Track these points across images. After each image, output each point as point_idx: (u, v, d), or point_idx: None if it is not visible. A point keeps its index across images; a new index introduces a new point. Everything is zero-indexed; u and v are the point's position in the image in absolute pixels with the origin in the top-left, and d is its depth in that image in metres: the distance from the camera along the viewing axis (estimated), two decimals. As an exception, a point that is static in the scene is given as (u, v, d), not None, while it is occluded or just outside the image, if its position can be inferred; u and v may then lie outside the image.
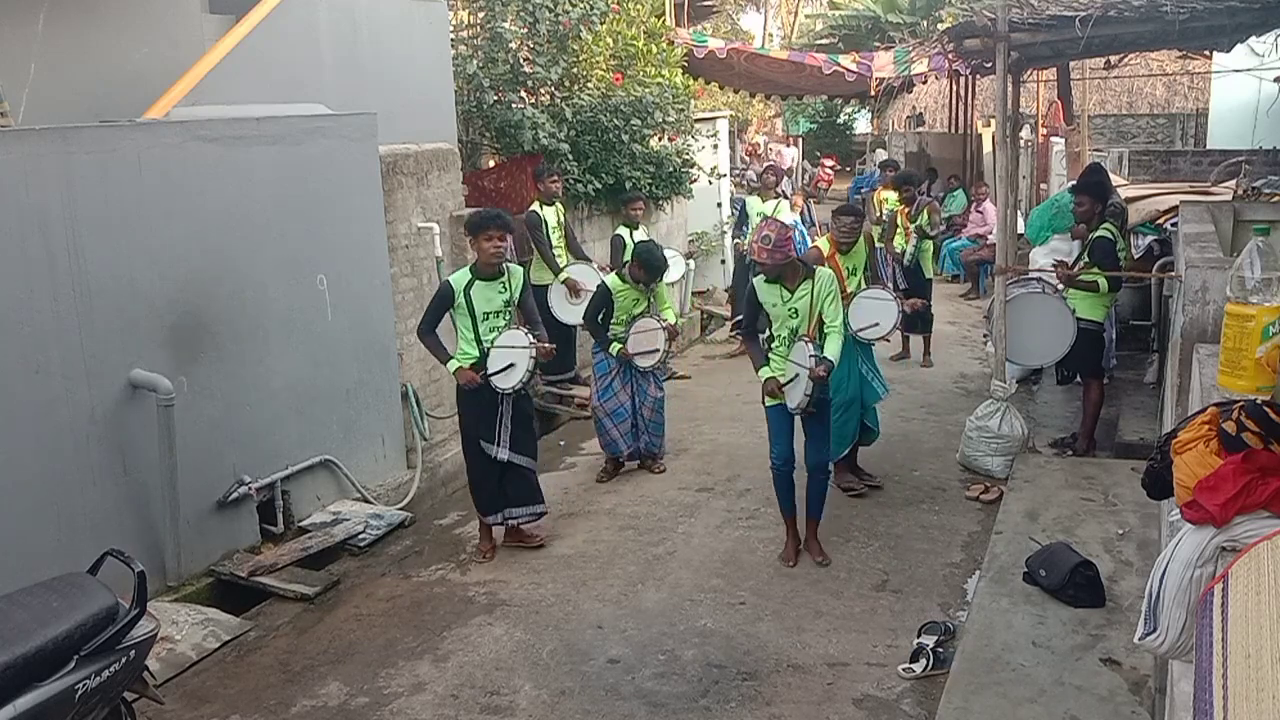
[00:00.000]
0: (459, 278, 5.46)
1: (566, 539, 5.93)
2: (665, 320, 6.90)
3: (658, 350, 6.80)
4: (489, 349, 5.43)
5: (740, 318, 9.69)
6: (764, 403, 5.44)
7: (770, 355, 5.37)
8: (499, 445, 5.56)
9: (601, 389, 6.83)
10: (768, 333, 5.44)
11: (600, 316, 6.77)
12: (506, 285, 5.48)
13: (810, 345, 5.12)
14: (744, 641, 4.71)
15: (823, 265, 6.12)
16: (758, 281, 5.31)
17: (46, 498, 4.58)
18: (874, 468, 6.78)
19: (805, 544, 5.51)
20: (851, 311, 6.17)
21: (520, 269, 5.62)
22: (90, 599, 3.45)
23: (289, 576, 5.39)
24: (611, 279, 6.82)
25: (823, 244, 6.42)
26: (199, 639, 4.79)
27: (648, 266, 6.67)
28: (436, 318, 5.53)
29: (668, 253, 9.25)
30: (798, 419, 5.33)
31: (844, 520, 6.01)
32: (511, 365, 5.40)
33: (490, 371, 5.40)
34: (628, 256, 8.62)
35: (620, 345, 6.68)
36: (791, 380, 5.22)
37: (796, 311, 5.22)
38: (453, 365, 5.46)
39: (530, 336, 5.44)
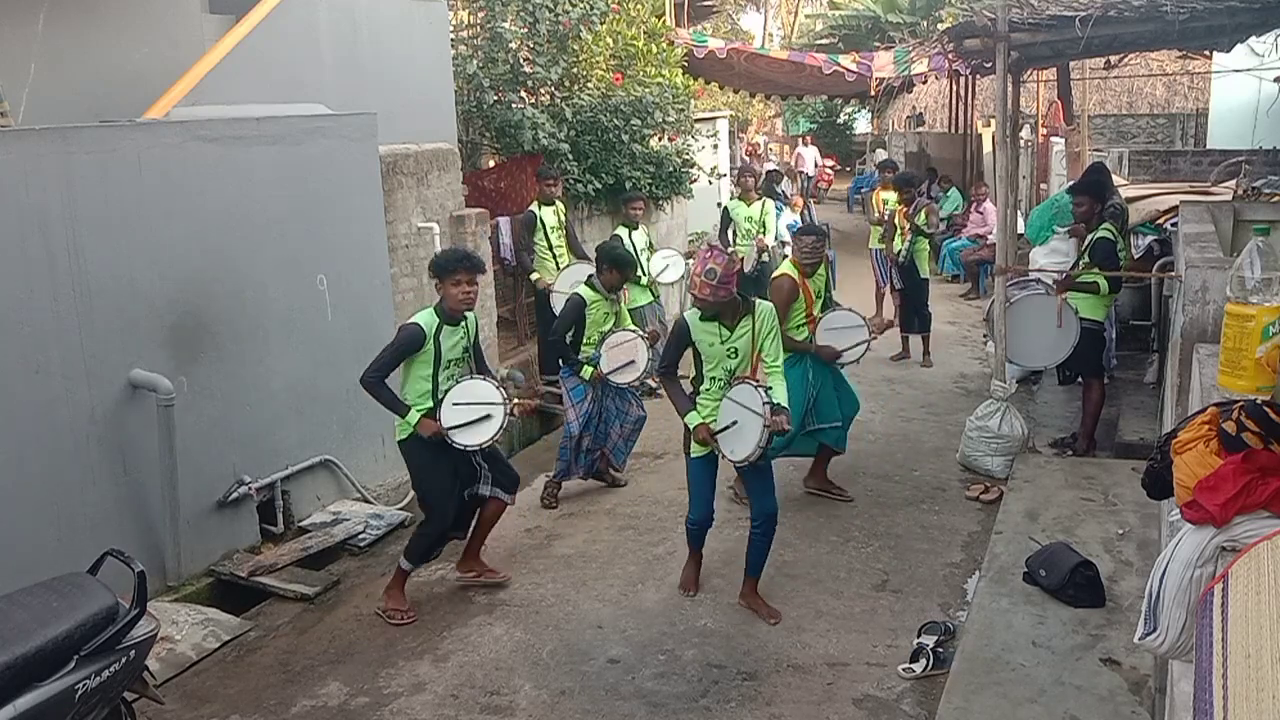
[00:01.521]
0: (427, 320, 4.85)
1: (566, 539, 5.93)
2: (637, 331, 6.45)
3: (634, 362, 6.26)
4: (442, 399, 4.88)
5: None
6: (687, 453, 4.86)
7: (699, 399, 4.79)
8: (481, 483, 5.06)
9: (581, 415, 6.25)
10: (696, 373, 4.85)
11: (570, 336, 6.25)
12: (467, 329, 4.98)
13: (760, 390, 4.54)
14: (744, 641, 4.71)
15: (795, 297, 5.89)
16: (691, 318, 4.71)
17: (46, 498, 4.58)
18: (874, 468, 6.78)
19: (745, 598, 4.99)
20: (822, 336, 6.03)
21: (473, 313, 5.07)
22: (90, 599, 3.45)
23: (289, 576, 5.39)
24: (584, 290, 6.25)
25: (788, 268, 6.02)
26: (199, 639, 4.79)
27: (621, 264, 6.19)
28: (395, 364, 4.87)
29: (667, 252, 9.30)
30: (724, 469, 4.80)
31: (844, 520, 6.01)
32: (482, 420, 4.86)
33: (450, 425, 4.84)
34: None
35: (592, 368, 6.15)
36: (729, 427, 4.62)
37: (736, 351, 4.69)
38: (414, 416, 4.82)
39: (502, 391, 4.93)
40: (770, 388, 4.65)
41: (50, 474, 4.60)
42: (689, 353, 4.84)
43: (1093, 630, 4.29)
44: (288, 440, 5.83)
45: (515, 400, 5.01)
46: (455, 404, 4.89)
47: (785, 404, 4.62)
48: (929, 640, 4.47)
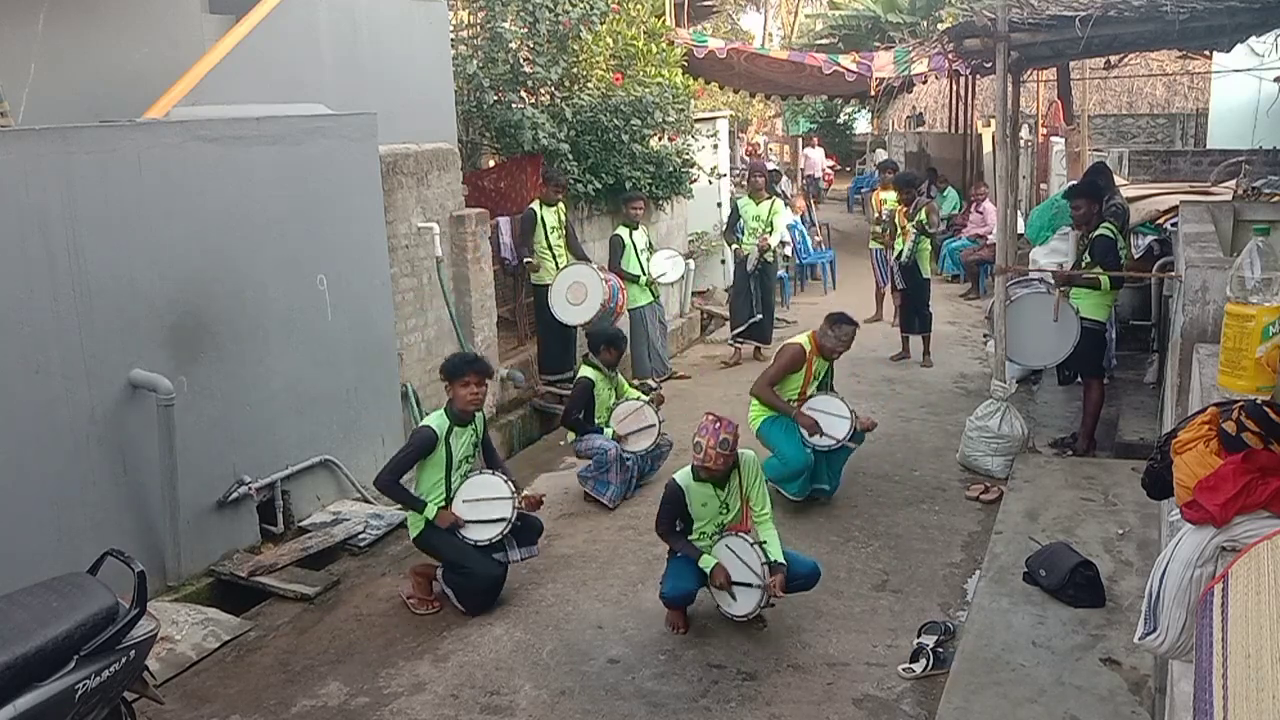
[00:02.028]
0: (440, 424, 4.96)
1: (566, 539, 5.93)
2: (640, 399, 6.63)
3: (652, 426, 6.45)
4: (454, 497, 5.03)
5: (738, 330, 9.73)
6: (670, 555, 4.84)
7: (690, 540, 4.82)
8: (511, 549, 5.12)
9: (608, 440, 6.37)
10: (682, 525, 4.85)
11: (581, 414, 6.42)
12: (475, 428, 5.10)
13: (757, 549, 4.60)
14: (744, 641, 4.71)
15: (798, 368, 5.99)
16: (685, 484, 4.73)
17: (46, 498, 4.58)
18: (874, 468, 6.78)
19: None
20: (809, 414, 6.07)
21: (481, 412, 5.17)
22: (90, 599, 3.45)
23: (289, 576, 5.39)
24: (588, 371, 6.47)
25: (803, 341, 6.13)
26: (199, 639, 4.79)
27: (615, 341, 6.53)
28: (409, 467, 5.00)
29: (667, 253, 9.31)
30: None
31: (844, 520, 6.01)
32: (493, 514, 4.98)
33: (464, 519, 5.00)
34: (627, 257, 8.66)
35: (611, 428, 6.40)
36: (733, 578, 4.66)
37: (728, 507, 4.77)
38: (431, 510, 4.94)
39: (510, 485, 5.05)
40: (765, 542, 4.68)
41: (50, 474, 4.60)
42: None
43: (1093, 630, 4.29)
44: (288, 440, 5.83)
45: (524, 494, 5.17)
46: (466, 500, 5.04)
47: (782, 560, 4.66)
48: (929, 640, 4.47)
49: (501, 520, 4.99)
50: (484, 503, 5.02)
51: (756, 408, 6.23)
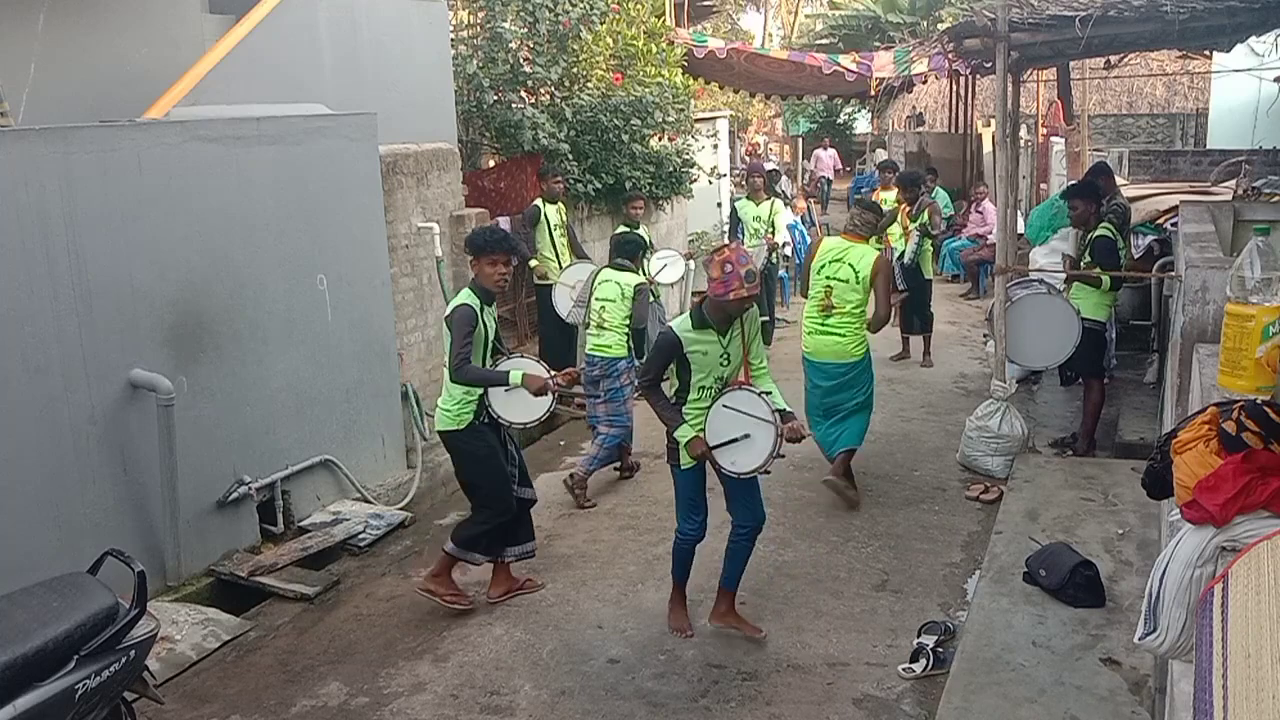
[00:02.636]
0: (473, 302, 4.75)
1: (566, 539, 5.93)
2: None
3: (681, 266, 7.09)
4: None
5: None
6: (676, 464, 4.59)
7: (687, 409, 4.50)
8: (518, 485, 5.05)
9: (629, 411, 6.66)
10: (679, 385, 4.54)
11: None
12: (494, 307, 4.98)
13: (764, 398, 4.38)
14: (744, 641, 4.71)
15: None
16: (681, 330, 4.41)
17: (46, 498, 4.58)
18: (874, 468, 6.78)
19: (722, 618, 4.75)
20: None
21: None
22: (90, 599, 3.45)
23: (289, 576, 5.39)
24: (639, 279, 6.61)
25: (874, 245, 6.18)
26: (199, 639, 4.79)
27: (645, 247, 6.86)
28: (472, 347, 4.69)
29: (667, 253, 9.30)
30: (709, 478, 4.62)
31: (844, 520, 6.01)
32: (532, 400, 4.85)
33: (498, 406, 4.87)
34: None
35: (648, 270, 6.89)
36: (733, 442, 4.41)
37: (729, 357, 4.46)
38: (516, 376, 4.67)
39: (544, 365, 4.95)
40: (769, 392, 4.49)
41: (50, 474, 4.60)
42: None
43: (1093, 630, 4.29)
44: (288, 440, 5.83)
45: (554, 374, 4.96)
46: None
47: (789, 409, 4.49)
48: (929, 640, 4.47)
49: (543, 408, 4.95)
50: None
51: (860, 341, 6.08)
